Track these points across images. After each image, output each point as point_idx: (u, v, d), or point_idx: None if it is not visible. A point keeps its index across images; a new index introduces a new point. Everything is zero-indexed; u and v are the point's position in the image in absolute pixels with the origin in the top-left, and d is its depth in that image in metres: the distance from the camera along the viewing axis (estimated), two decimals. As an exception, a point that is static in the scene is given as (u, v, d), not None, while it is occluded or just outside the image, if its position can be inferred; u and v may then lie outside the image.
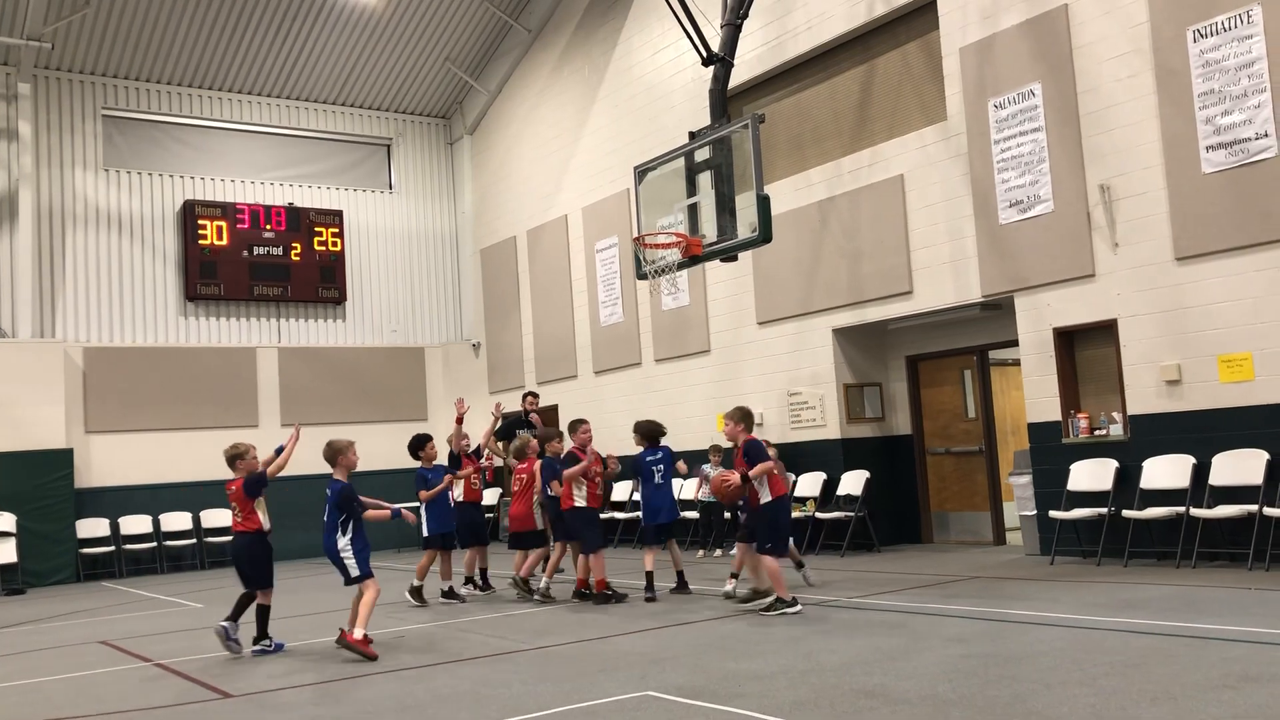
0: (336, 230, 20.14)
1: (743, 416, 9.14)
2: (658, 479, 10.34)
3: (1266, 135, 9.75)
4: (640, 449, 10.52)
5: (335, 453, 8.43)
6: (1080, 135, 11.21)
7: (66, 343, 17.63)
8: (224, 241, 19.02)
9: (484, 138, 21.17)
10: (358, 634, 7.88)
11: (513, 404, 18.50)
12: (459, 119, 21.68)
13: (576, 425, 10.71)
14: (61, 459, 16.95)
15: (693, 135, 12.50)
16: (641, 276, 12.82)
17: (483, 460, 12.02)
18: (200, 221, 18.86)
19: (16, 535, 16.23)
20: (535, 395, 14.16)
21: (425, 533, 11.14)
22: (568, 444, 10.77)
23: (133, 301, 18.52)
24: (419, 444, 11.37)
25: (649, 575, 10.19)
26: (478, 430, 12.75)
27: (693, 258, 12.05)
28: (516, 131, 20.13)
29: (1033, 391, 11.78)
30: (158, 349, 18.45)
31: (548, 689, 6.37)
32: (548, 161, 19.19)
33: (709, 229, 12.01)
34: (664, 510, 10.40)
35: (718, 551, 14.10)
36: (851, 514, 13.16)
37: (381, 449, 19.66)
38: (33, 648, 9.79)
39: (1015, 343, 12.05)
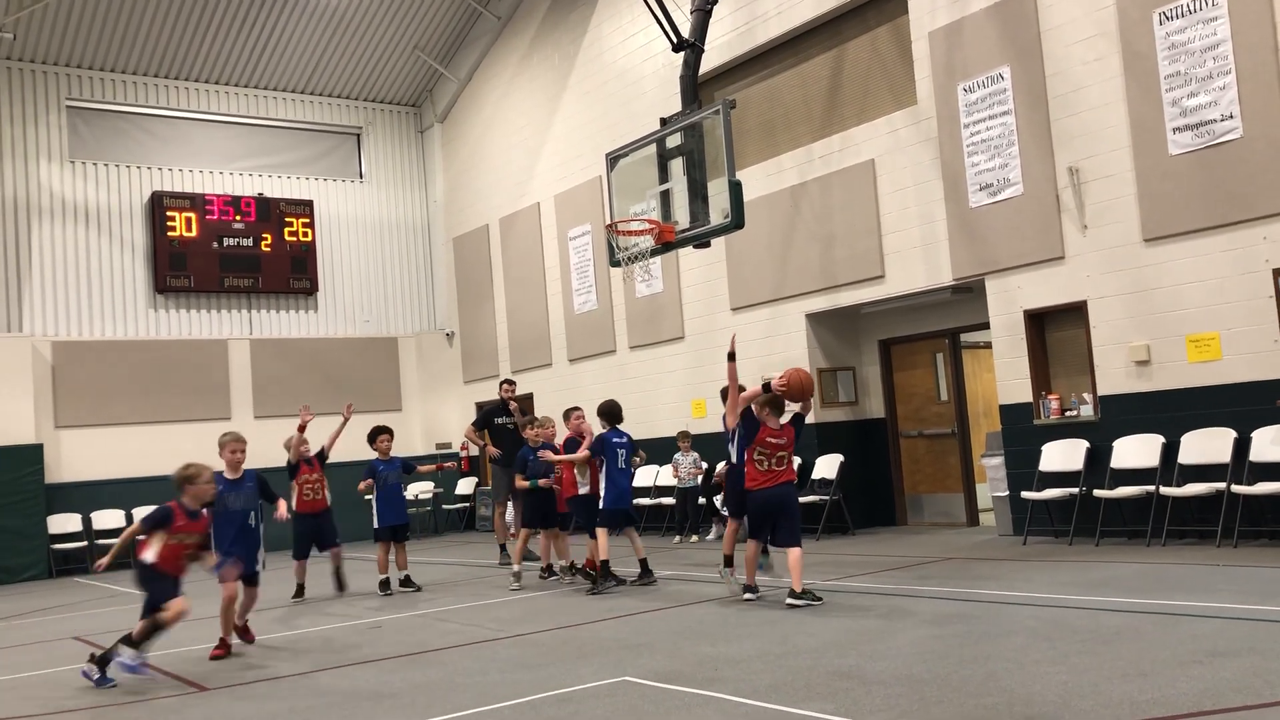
0: (307, 220, 20.00)
1: (768, 401, 8.64)
2: (620, 462, 10.03)
3: (1232, 117, 9.84)
4: (604, 429, 10.30)
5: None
6: (1049, 118, 11.28)
7: (34, 337, 17.43)
8: (193, 233, 18.85)
9: (455, 126, 21.06)
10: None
11: (490, 393, 18.47)
12: (429, 107, 21.55)
13: (569, 414, 10.71)
14: (31, 454, 16.78)
15: (664, 121, 12.49)
16: (615, 264, 12.80)
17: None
18: (169, 213, 18.68)
19: (-14, 532, 16.09)
20: (512, 383, 14.14)
21: (376, 524, 11.18)
22: (562, 431, 10.76)
23: (101, 294, 18.34)
24: (373, 436, 11.51)
25: (606, 564, 9.88)
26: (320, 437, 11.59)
27: (666, 244, 12.05)
28: (487, 119, 20.04)
29: (1004, 373, 11.87)
30: (127, 342, 18.28)
31: (524, 676, 6.38)
32: (519, 149, 19.12)
33: (681, 215, 12.00)
34: (626, 494, 10.11)
35: (694, 537, 14.15)
36: (826, 497, 13.23)
37: (354, 440, 19.62)
38: (5, 645, 9.71)
39: (986, 325, 12.13)
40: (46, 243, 17.98)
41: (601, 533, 9.92)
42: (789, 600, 8.08)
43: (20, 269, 17.69)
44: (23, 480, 16.62)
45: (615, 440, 10.13)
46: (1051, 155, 11.26)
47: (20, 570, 16.45)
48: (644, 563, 10.10)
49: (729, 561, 9.02)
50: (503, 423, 13.34)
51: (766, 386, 8.41)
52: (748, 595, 8.56)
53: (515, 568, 10.67)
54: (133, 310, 18.58)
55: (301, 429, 10.88)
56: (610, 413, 10.32)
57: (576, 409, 10.75)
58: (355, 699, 6.18)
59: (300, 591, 11.06)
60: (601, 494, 10.05)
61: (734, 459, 8.91)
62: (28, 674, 7.98)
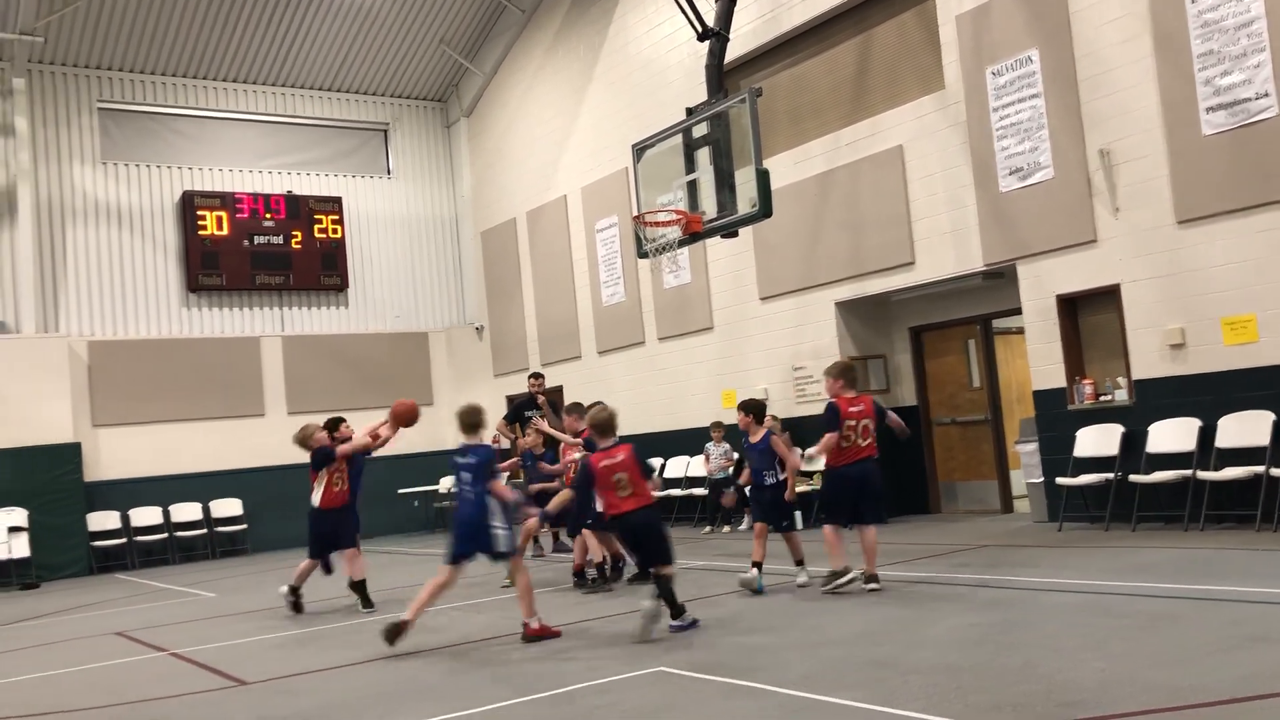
0: (336, 217, 20.12)
1: (842, 372, 8.46)
2: None
3: (1267, 95, 9.69)
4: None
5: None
6: (1079, 100, 11.16)
7: (70, 337, 17.65)
8: (224, 231, 19.01)
9: (481, 120, 21.11)
10: (534, 623, 7.39)
11: (520, 386, 18.55)
12: (455, 102, 21.61)
13: (575, 408, 10.73)
14: (70, 453, 17.00)
15: (690, 111, 12.46)
16: (642, 255, 12.81)
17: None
18: (200, 212, 18.84)
19: (29, 530, 16.31)
20: (540, 376, 14.16)
21: None
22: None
23: (135, 294, 18.54)
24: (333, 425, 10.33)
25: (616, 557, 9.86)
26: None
27: (693, 235, 12.03)
28: (513, 113, 20.07)
29: (1037, 359, 11.77)
30: (161, 341, 18.47)
31: (561, 668, 6.41)
32: (545, 142, 19.14)
33: (709, 205, 11.99)
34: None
35: (726, 528, 14.15)
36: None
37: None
38: (49, 640, 9.86)
39: (1018, 311, 12.04)
40: (81, 244, 18.19)
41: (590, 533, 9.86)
42: (870, 586, 8.04)
43: (56, 270, 17.90)
44: (62, 479, 16.86)
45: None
46: (1082, 138, 11.15)
47: (62, 567, 16.68)
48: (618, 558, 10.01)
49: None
50: (532, 416, 13.39)
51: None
52: (840, 581, 8.08)
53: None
54: (166, 309, 18.77)
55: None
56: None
57: (599, 403, 10.75)
58: (394, 692, 6.23)
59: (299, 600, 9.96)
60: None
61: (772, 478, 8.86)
62: (72, 669, 8.10)
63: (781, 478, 8.87)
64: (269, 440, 18.74)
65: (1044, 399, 11.70)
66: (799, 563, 8.84)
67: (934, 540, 11.16)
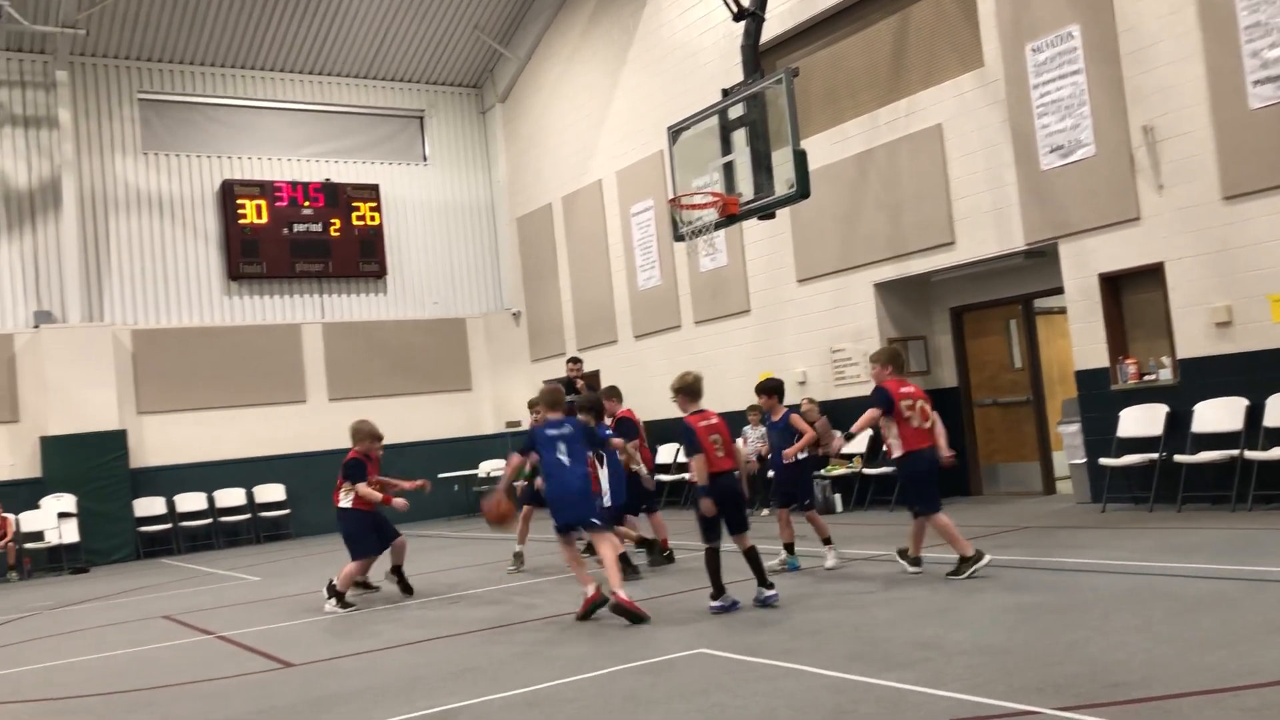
0: (374, 204, 20.23)
1: (890, 358, 8.28)
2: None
3: (1315, 67, 9.50)
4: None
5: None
6: (1121, 76, 10.99)
7: (115, 326, 17.90)
8: (263, 220, 19.18)
9: (515, 105, 21.12)
10: (624, 593, 7.28)
11: (557, 371, 18.61)
12: (490, 87, 21.63)
13: (612, 391, 10.78)
14: (116, 440, 17.27)
15: (725, 93, 12.41)
16: (679, 238, 12.79)
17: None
18: (239, 201, 19.02)
19: (78, 515, 16.62)
20: (579, 361, 14.20)
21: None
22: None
23: (177, 283, 18.76)
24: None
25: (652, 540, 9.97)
26: None
27: (730, 217, 12.00)
28: (548, 97, 20.07)
29: (1079, 339, 11.64)
30: (204, 329, 18.70)
31: (604, 649, 6.44)
32: (580, 126, 19.12)
33: (745, 187, 11.94)
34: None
35: (764, 511, 14.12)
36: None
37: (427, 420, 19.96)
38: (99, 624, 10.04)
39: (1060, 290, 11.90)
40: (124, 234, 18.42)
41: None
42: (915, 569, 8.07)
43: (100, 260, 18.15)
44: (109, 465, 17.13)
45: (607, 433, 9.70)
46: (1124, 114, 10.98)
47: (110, 552, 16.97)
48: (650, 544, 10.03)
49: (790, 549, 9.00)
50: (571, 400, 13.41)
51: (849, 436, 8.43)
52: (979, 565, 7.70)
53: (518, 548, 10.63)
54: (208, 297, 18.99)
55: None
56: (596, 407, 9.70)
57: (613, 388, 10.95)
58: (440, 673, 6.29)
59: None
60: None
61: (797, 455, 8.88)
62: (123, 651, 8.25)
63: (801, 457, 8.87)
64: (310, 426, 18.97)
65: (1087, 379, 11.57)
66: (826, 541, 8.85)
67: (976, 522, 11.07)
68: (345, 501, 9.38)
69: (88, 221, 18.09)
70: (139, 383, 17.99)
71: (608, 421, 10.25)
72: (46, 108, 17.86)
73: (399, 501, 9.38)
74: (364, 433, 9.51)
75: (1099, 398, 11.40)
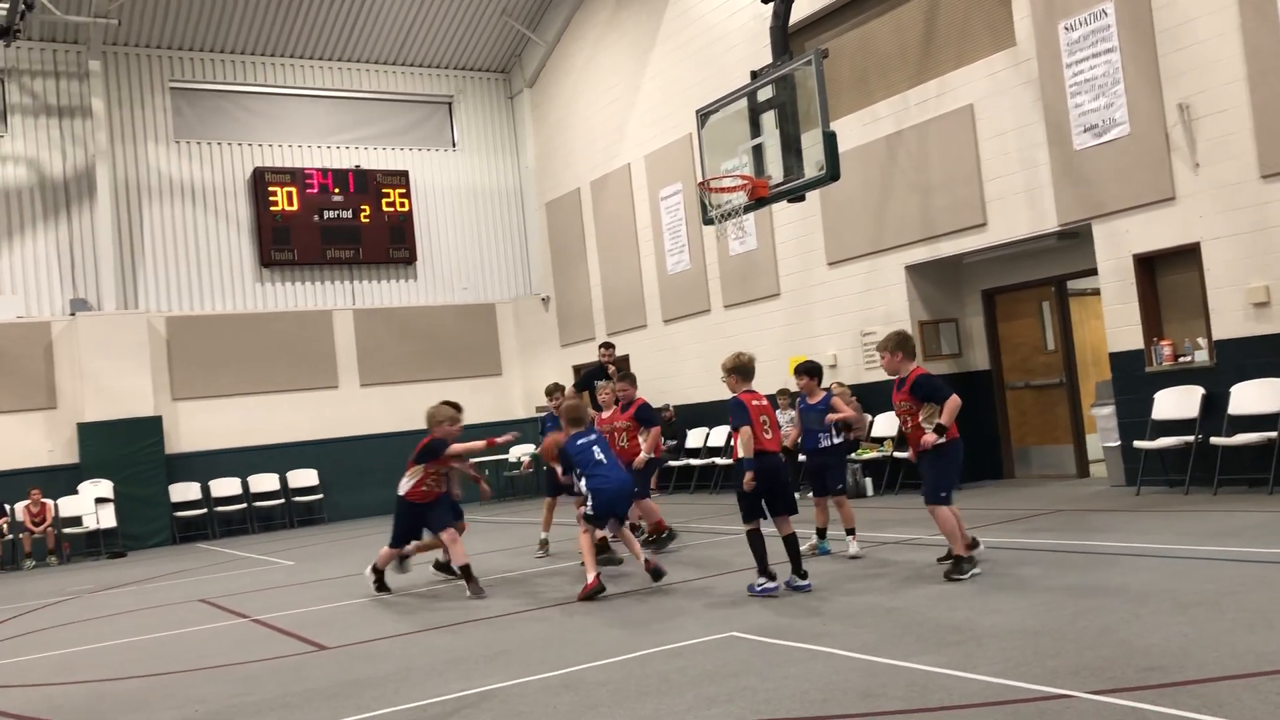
0: (404, 190, 20.30)
1: (899, 344, 7.63)
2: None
3: (1357, 42, 9.32)
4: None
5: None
6: (1156, 54, 10.83)
7: (149, 313, 18.09)
8: (294, 207, 19.30)
9: (543, 90, 21.10)
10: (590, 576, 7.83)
11: (586, 356, 18.63)
12: (518, 72, 21.62)
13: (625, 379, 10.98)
14: (151, 426, 17.48)
15: (754, 75, 12.33)
16: (708, 222, 12.74)
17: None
18: (270, 188, 19.14)
19: (115, 501, 16.84)
20: (610, 346, 14.20)
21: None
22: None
23: (210, 270, 18.93)
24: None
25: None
26: None
27: (759, 200, 11.94)
28: (575, 82, 20.03)
29: (1114, 320, 11.52)
30: (236, 316, 18.86)
31: (633, 632, 6.46)
32: (608, 110, 19.08)
33: (775, 170, 11.87)
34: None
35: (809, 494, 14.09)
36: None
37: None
38: (138, 607, 10.18)
39: (1094, 271, 11.77)
40: (157, 222, 18.59)
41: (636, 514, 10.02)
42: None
43: (134, 248, 18.33)
44: (145, 451, 17.34)
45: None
46: (1160, 92, 10.82)
47: (147, 537, 17.20)
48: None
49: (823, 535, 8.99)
50: (602, 385, 13.43)
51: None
52: (977, 571, 7.23)
53: (544, 535, 10.80)
54: (240, 284, 19.14)
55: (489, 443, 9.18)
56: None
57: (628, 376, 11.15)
58: (472, 656, 6.33)
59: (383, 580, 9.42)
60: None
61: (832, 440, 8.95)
62: (161, 634, 8.36)
63: (837, 440, 8.84)
64: (343, 411, 19.12)
65: (1121, 361, 11.45)
66: (850, 531, 8.80)
67: (1008, 505, 11.01)
68: (402, 487, 8.90)
69: (121, 210, 18.27)
70: (173, 369, 18.18)
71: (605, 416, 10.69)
72: (80, 97, 18.03)
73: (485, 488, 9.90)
74: (441, 414, 8.95)
75: (1133, 380, 11.28)
